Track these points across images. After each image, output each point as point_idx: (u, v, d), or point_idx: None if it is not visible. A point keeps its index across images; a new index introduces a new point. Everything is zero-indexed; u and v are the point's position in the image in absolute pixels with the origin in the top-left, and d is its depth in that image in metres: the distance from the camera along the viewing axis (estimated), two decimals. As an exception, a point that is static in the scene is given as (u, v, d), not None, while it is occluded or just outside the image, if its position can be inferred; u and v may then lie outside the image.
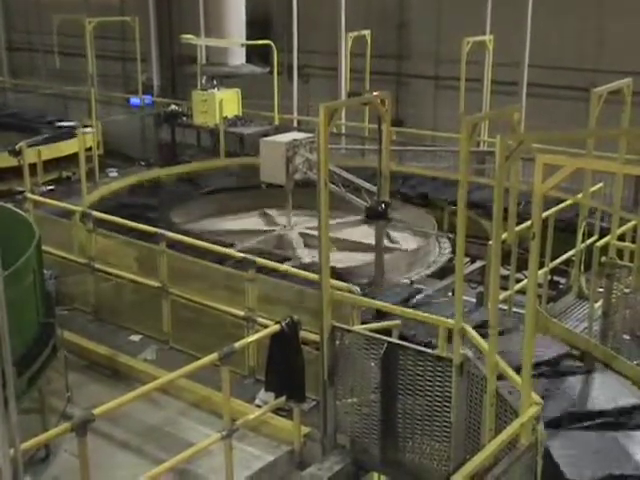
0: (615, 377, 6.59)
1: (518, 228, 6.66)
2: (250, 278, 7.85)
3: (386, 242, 11.15)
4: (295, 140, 12.11)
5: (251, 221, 13.80)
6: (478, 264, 11.04)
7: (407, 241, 12.58)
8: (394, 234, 12.58)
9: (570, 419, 5.74)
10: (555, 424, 5.66)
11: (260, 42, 18.41)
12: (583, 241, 8.83)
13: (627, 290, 7.44)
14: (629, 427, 5.80)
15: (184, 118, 18.13)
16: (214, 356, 5.91)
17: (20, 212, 8.23)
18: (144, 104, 20.25)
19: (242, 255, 8.17)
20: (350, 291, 7.11)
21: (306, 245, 12.12)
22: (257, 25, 21.27)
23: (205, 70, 18.82)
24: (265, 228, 13.27)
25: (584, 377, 6.54)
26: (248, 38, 19.22)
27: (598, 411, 5.96)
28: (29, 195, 10.30)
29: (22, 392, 6.18)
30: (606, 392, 6.28)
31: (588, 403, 6.14)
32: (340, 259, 10.67)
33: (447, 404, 5.81)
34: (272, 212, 13.79)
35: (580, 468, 5.22)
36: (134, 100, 20.70)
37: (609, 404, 6.06)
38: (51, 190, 14.93)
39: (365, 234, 11.84)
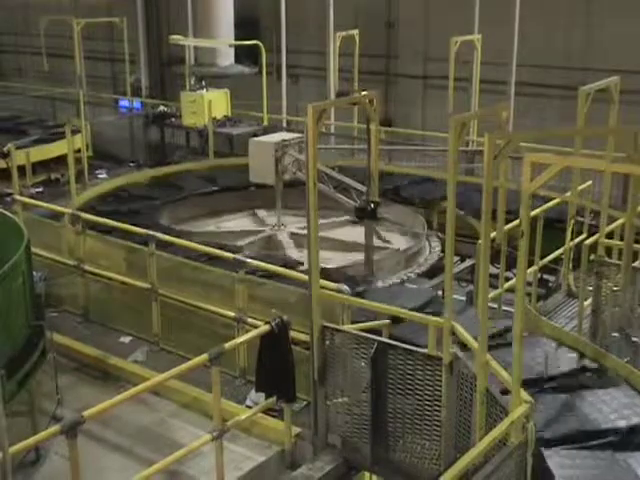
0: (557, 345, 7.00)
1: (507, 227, 6.68)
2: (240, 279, 7.84)
3: (377, 242, 11.14)
4: (284, 140, 12.09)
5: (241, 222, 13.74)
6: (468, 263, 11.05)
7: (397, 241, 12.57)
8: (384, 234, 12.56)
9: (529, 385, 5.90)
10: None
11: (248, 42, 18.40)
12: (572, 239, 8.86)
13: (616, 288, 7.46)
14: (578, 388, 6.22)
15: (173, 119, 18.11)
16: (204, 357, 5.90)
17: (9, 214, 8.20)
18: (133, 106, 20.25)
19: (232, 255, 8.16)
20: (340, 291, 7.11)
21: (298, 246, 12.10)
22: (245, 25, 21.25)
23: (194, 71, 18.81)
24: (255, 229, 13.21)
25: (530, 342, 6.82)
26: (236, 38, 19.22)
27: (549, 376, 6.38)
28: (18, 197, 10.27)
29: (12, 394, 6.16)
30: (554, 359, 6.68)
31: (539, 370, 6.49)
32: (330, 258, 10.67)
33: (437, 403, 5.82)
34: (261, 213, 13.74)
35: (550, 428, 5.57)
36: (123, 103, 20.69)
37: (558, 370, 6.53)
38: (40, 192, 14.90)
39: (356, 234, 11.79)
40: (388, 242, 11.97)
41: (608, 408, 5.84)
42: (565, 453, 5.30)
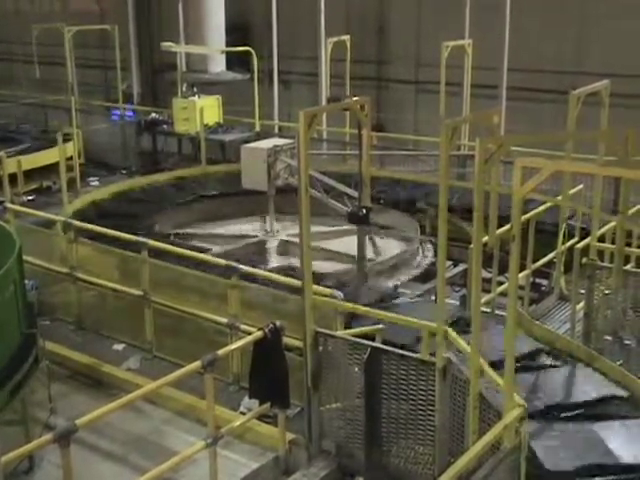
0: (589, 370, 6.60)
1: (499, 231, 6.68)
2: (233, 285, 7.84)
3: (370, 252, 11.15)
4: (276, 146, 12.12)
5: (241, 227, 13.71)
6: (461, 267, 11.06)
7: (390, 246, 12.58)
8: (377, 239, 12.56)
9: (547, 411, 5.78)
10: (532, 416, 5.67)
11: (240, 49, 18.40)
12: (564, 243, 8.88)
13: (608, 291, 7.48)
14: (605, 417, 5.83)
15: (165, 126, 18.10)
16: (197, 364, 5.89)
17: (0, 222, 8.18)
18: (124, 115, 20.28)
19: (225, 262, 8.15)
20: (332, 296, 7.10)
21: (283, 253, 12.13)
22: (237, 32, 21.28)
23: (185, 77, 18.81)
24: (249, 234, 13.20)
25: (558, 370, 6.56)
26: (228, 45, 19.23)
27: (575, 403, 6.00)
28: (9, 205, 10.25)
29: (4, 403, 6.16)
30: (582, 384, 6.33)
31: (564, 395, 6.17)
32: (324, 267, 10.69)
33: (431, 407, 5.82)
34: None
35: (558, 459, 5.26)
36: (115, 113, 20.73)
37: (586, 396, 6.10)
38: (31, 200, 14.88)
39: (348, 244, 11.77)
40: (379, 252, 11.99)
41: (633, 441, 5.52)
42: None
